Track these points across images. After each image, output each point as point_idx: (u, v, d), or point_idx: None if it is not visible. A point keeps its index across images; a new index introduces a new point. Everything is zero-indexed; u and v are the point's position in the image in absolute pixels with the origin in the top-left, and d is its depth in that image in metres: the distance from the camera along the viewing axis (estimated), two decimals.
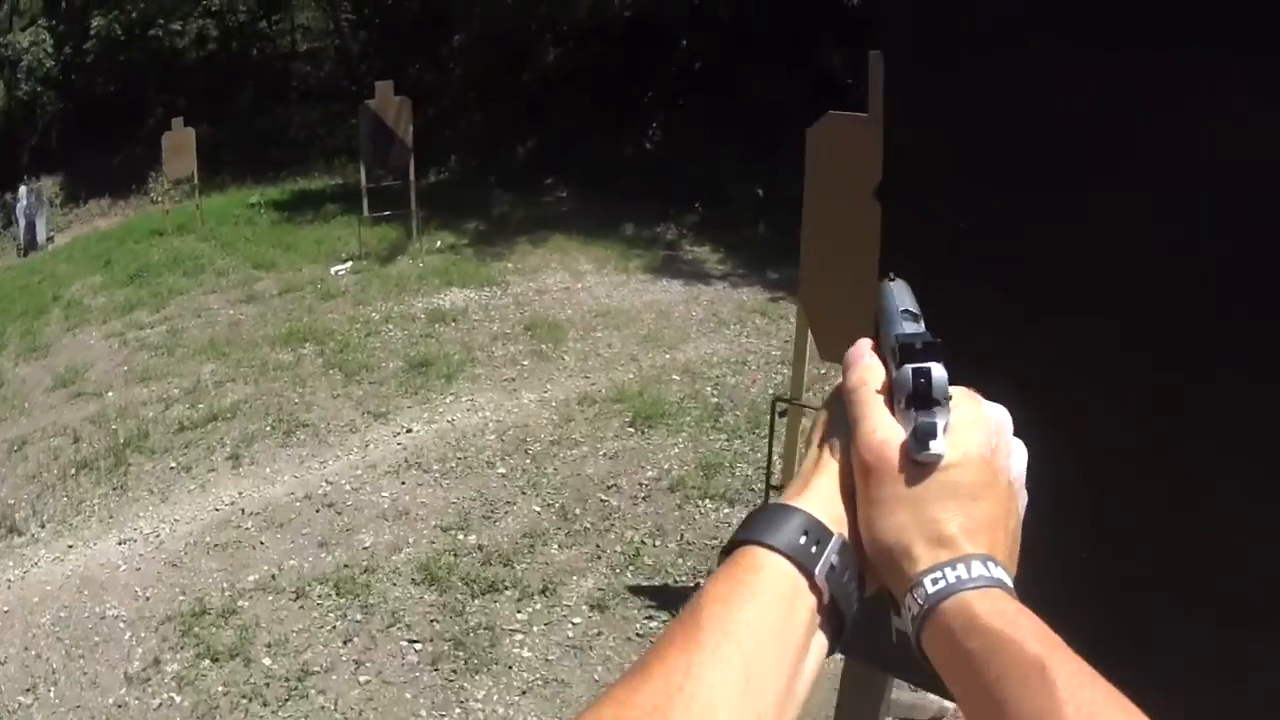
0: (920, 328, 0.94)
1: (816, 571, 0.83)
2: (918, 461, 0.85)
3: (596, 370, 8.86)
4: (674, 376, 8.61)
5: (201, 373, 10.02)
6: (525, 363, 9.22)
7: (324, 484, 7.43)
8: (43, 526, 7.75)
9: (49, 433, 9.49)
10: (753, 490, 6.62)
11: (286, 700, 5.29)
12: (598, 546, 6.14)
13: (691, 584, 5.70)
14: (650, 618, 5.49)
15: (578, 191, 15.98)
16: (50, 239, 21.02)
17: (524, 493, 6.90)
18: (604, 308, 10.52)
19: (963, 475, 0.86)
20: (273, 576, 6.17)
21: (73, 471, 8.47)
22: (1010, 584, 0.83)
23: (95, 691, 5.84)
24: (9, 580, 7.14)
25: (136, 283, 14.53)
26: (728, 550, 0.87)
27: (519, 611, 5.62)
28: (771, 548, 0.83)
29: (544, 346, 9.52)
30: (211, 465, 8.02)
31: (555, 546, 6.19)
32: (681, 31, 17.40)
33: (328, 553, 6.46)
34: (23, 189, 21.06)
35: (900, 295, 1.01)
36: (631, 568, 5.90)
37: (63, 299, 14.77)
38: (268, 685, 5.40)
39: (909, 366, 0.87)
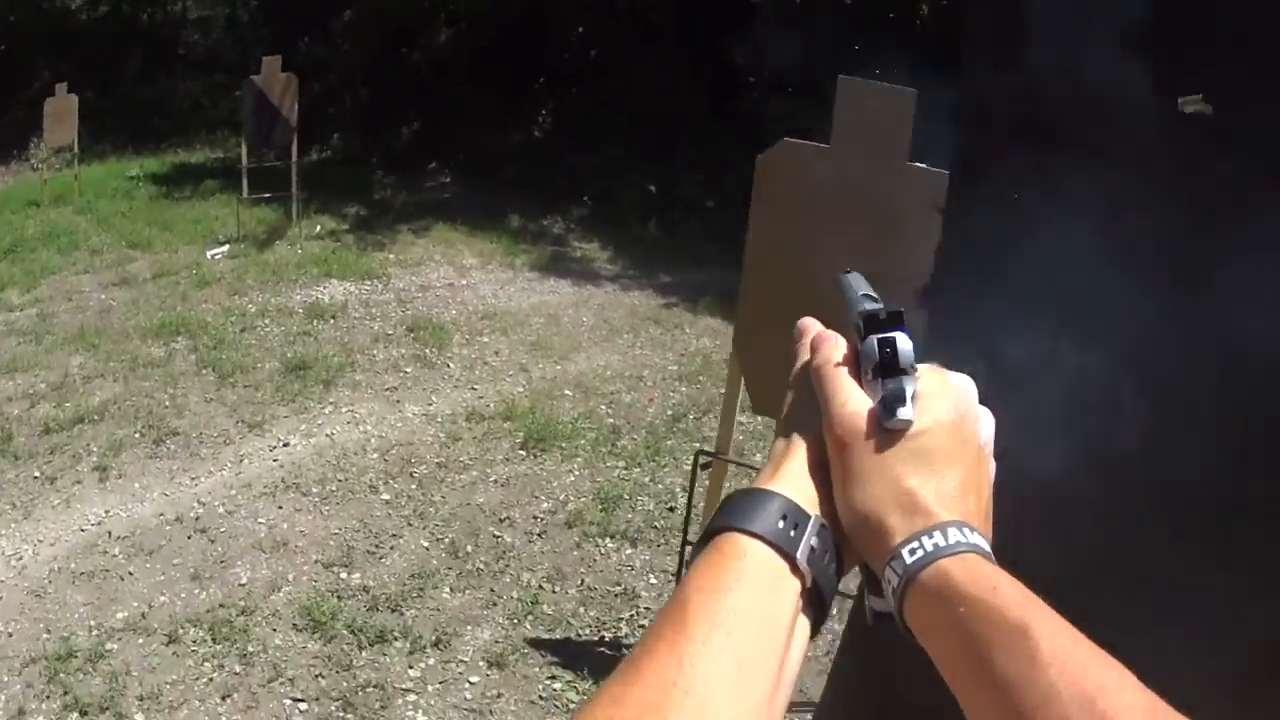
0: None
1: (798, 555, 0.83)
2: (888, 429, 0.87)
3: (484, 381, 8.55)
4: (566, 391, 8.34)
5: (70, 365, 9.51)
6: (408, 369, 8.89)
7: (196, 504, 6.98)
8: None
9: None
10: (655, 528, 6.39)
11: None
12: (492, 591, 5.81)
13: (595, 637, 5.42)
14: (553, 678, 5.15)
15: (462, 178, 15.70)
16: None
17: (410, 524, 6.55)
18: (490, 309, 10.23)
19: (933, 441, 0.87)
20: (143, 615, 5.71)
21: None
22: (988, 549, 0.83)
23: None
24: None
25: (9, 259, 13.94)
26: (706, 538, 0.86)
27: (411, 667, 5.26)
28: (752, 534, 0.83)
29: (428, 351, 9.19)
30: (77, 476, 7.52)
31: (447, 590, 5.85)
32: (577, 18, 17.10)
33: (201, 588, 6.02)
34: None
35: (858, 283, 1.04)
36: (530, 617, 5.57)
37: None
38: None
39: (874, 337, 0.89)
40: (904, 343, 0.88)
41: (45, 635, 5.82)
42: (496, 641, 5.39)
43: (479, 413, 7.89)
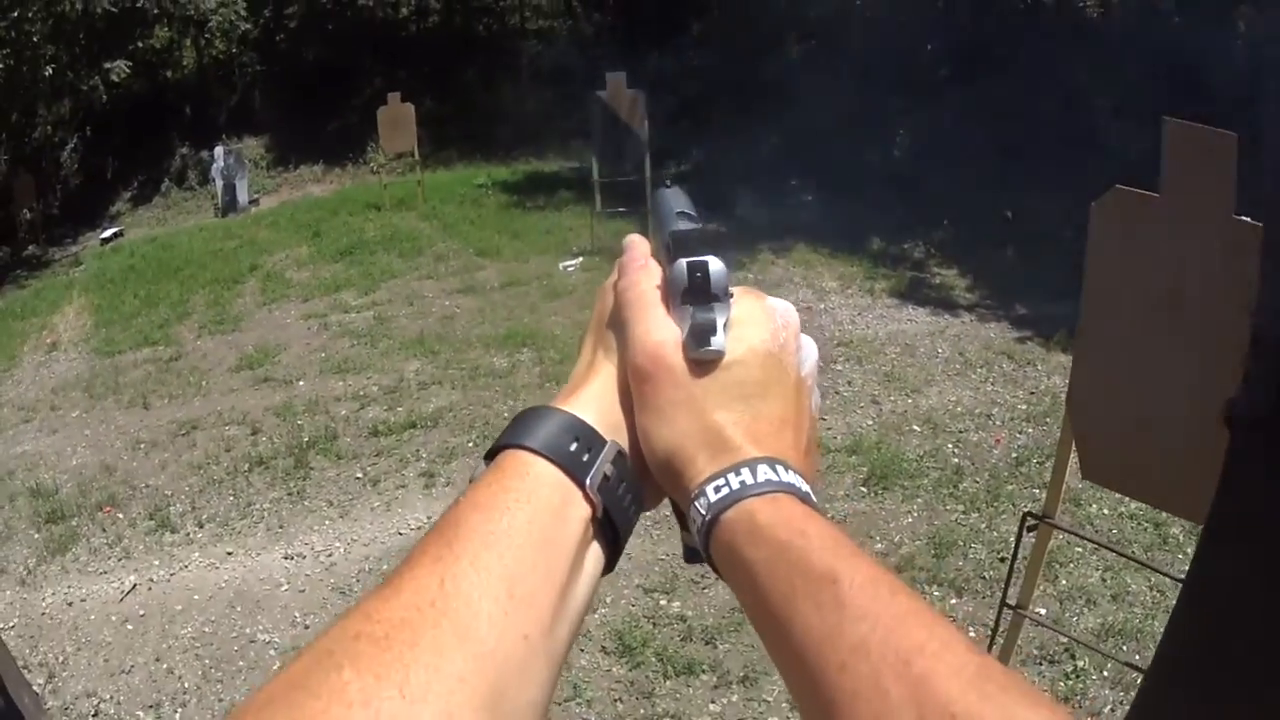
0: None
1: (588, 481, 0.79)
2: (697, 360, 0.82)
3: (834, 412, 8.37)
4: (914, 426, 8.10)
5: (405, 370, 9.96)
6: None
7: None
8: (200, 526, 7.73)
9: (224, 419, 9.55)
10: (983, 579, 6.16)
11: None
12: None
13: None
14: None
15: (823, 196, 15.50)
16: (254, 201, 21.51)
17: None
18: (847, 336, 10.05)
19: (747, 373, 0.83)
20: None
21: (245, 468, 8.45)
22: (804, 488, 0.78)
23: None
24: (151, 580, 7.11)
25: (346, 260, 14.68)
26: (490, 455, 0.81)
27: (713, 702, 5.27)
28: (538, 453, 0.78)
29: None
30: (402, 481, 7.88)
31: None
32: (927, 36, 16.72)
33: None
34: (219, 149, 21.55)
35: (675, 199, 1.01)
36: None
37: (261, 269, 15.01)
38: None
39: (684, 260, 0.84)
40: (717, 266, 0.83)
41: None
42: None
43: (825, 445, 7.71)
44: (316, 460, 8.32)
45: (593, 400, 0.86)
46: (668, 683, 5.38)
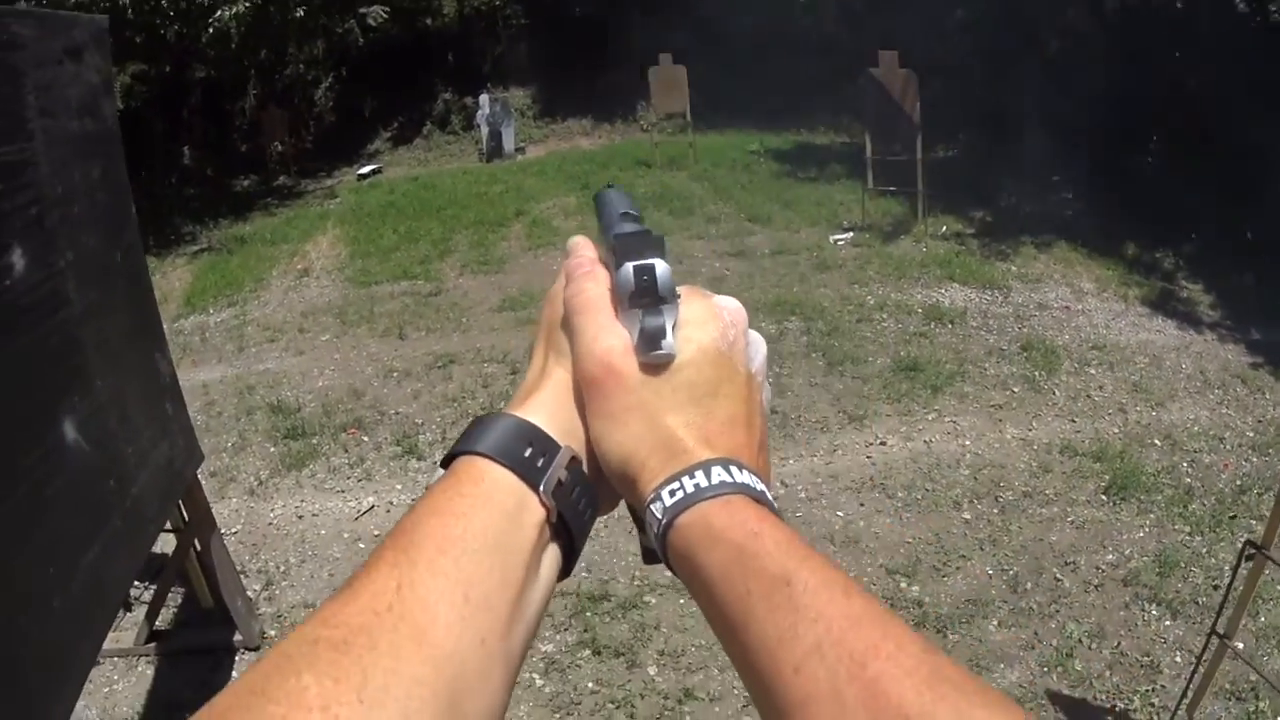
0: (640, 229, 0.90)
1: (542, 486, 0.78)
2: (648, 364, 0.82)
3: (1084, 415, 8.29)
4: (1155, 440, 7.94)
5: None
6: (1015, 389, 8.73)
7: (779, 485, 7.18)
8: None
9: (483, 356, 9.77)
10: (1197, 604, 6.00)
11: (657, 719, 5.21)
12: (1036, 634, 5.69)
13: (1108, 704, 5.21)
14: None
15: (1084, 195, 15.12)
16: (520, 150, 21.83)
17: (982, 548, 6.50)
18: (1101, 339, 9.88)
19: (698, 374, 0.82)
20: None
21: (502, 404, 8.63)
22: (760, 487, 0.77)
23: None
24: (391, 503, 7.37)
25: None
26: (446, 462, 0.81)
27: None
28: (493, 458, 0.78)
29: (1037, 374, 8.99)
30: None
31: (995, 623, 5.79)
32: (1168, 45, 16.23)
33: None
34: (484, 97, 21.88)
35: (619, 200, 0.98)
36: (1059, 669, 5.41)
37: (528, 215, 15.20)
38: (643, 697, 5.34)
39: (630, 264, 0.83)
40: (662, 268, 0.83)
41: (584, 574, 6.32)
42: (1021, 685, 5.30)
43: (1073, 447, 7.67)
44: None
45: (545, 406, 0.86)
46: None
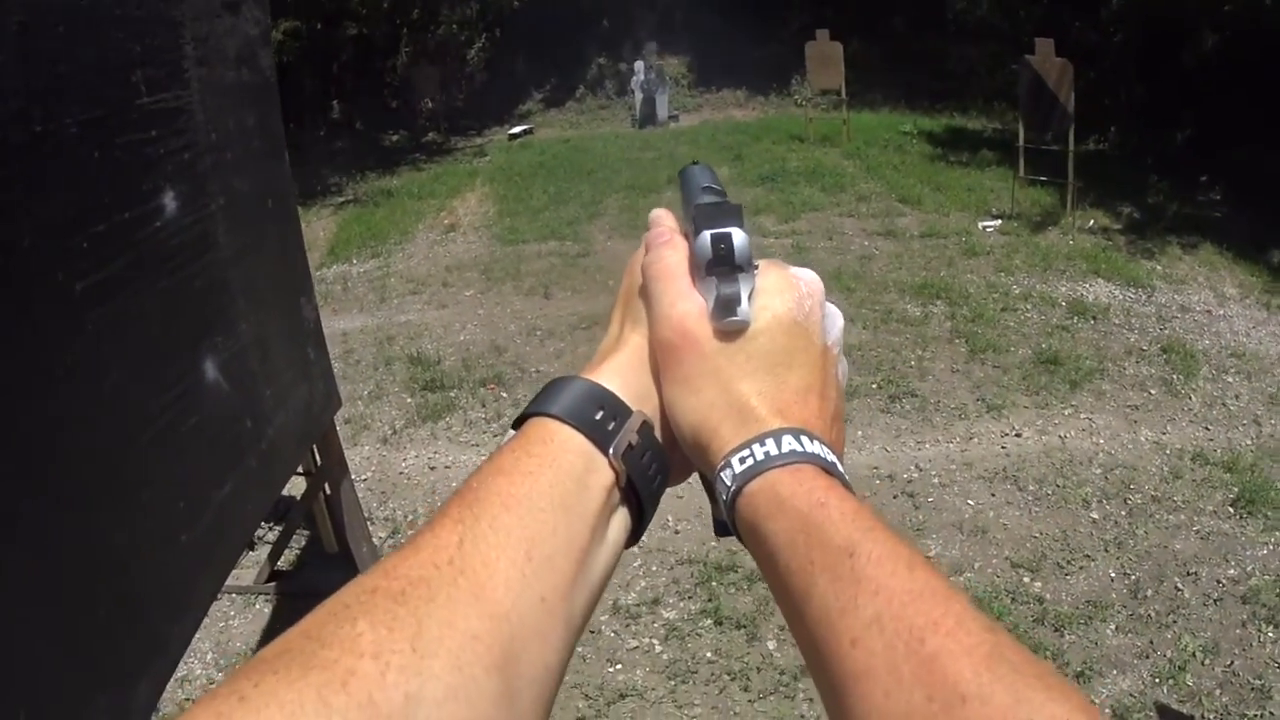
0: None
1: (612, 449, 0.79)
2: (722, 330, 0.82)
3: (1218, 423, 8.06)
4: None
5: None
6: (1152, 391, 8.54)
7: (913, 468, 7.24)
8: None
9: None
10: None
11: (770, 694, 5.20)
12: (1151, 643, 5.57)
13: None
14: None
15: (1233, 197, 14.72)
16: (674, 118, 21.87)
17: (1107, 550, 6.38)
18: (1240, 347, 9.58)
19: (772, 342, 0.83)
20: None
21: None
22: (830, 458, 0.77)
23: None
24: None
25: (767, 185, 14.77)
26: (517, 424, 0.82)
27: None
28: (563, 420, 0.79)
29: (1175, 378, 8.77)
30: None
31: (1112, 627, 5.68)
32: None
33: None
34: (639, 64, 21.98)
35: (701, 175, 0.99)
36: (1171, 682, 5.29)
37: (678, 182, 15.22)
38: (759, 670, 5.34)
39: (707, 232, 0.84)
40: (740, 237, 0.83)
41: (713, 544, 6.32)
42: (1130, 694, 5.21)
43: (1205, 455, 7.47)
44: None
45: (619, 371, 0.86)
46: None
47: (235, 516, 3.60)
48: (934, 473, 7.17)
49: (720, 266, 0.82)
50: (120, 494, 2.76)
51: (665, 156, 17.16)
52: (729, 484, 0.76)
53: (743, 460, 0.76)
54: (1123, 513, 6.78)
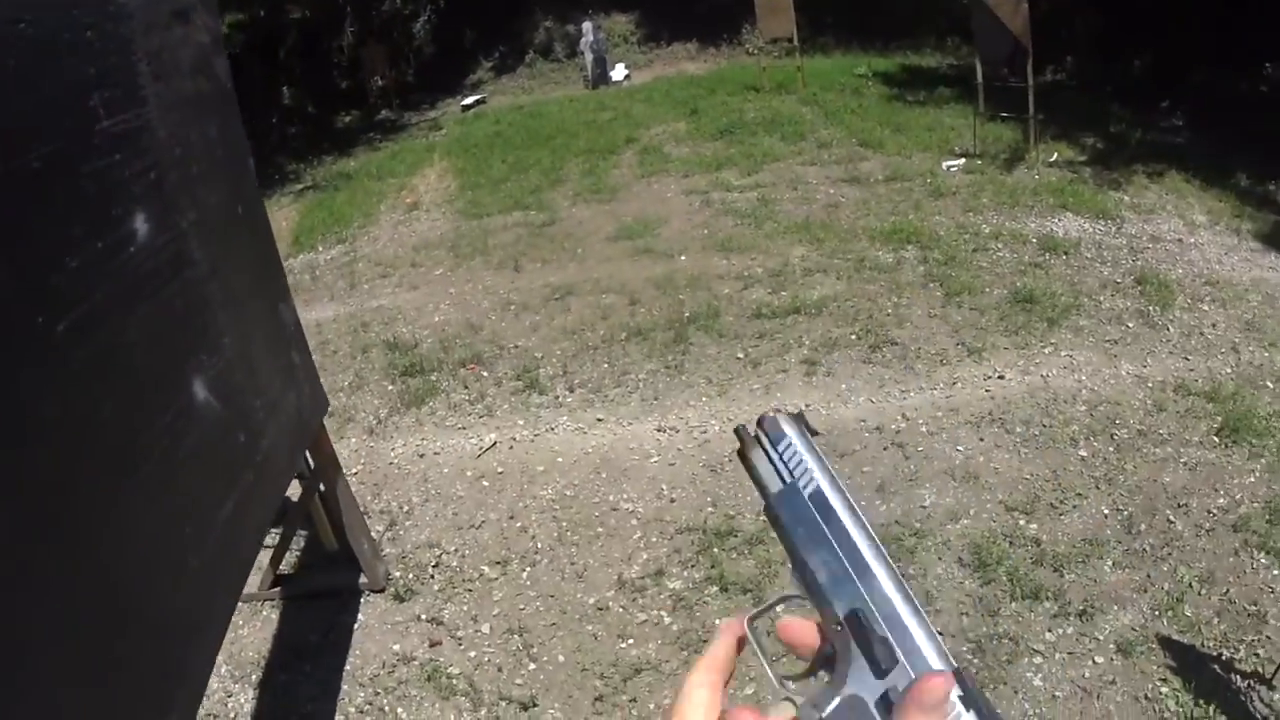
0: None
1: None
2: None
3: (1197, 352, 8.10)
4: (1268, 383, 7.70)
5: (790, 255, 9.95)
6: (1130, 324, 8.54)
7: (900, 418, 7.26)
8: (571, 391, 7.99)
9: (601, 287, 9.77)
10: None
11: (783, 656, 5.13)
12: (1148, 577, 5.65)
13: (1214, 653, 5.16)
14: (1164, 680, 4.98)
15: (1194, 122, 14.71)
16: (627, 76, 21.72)
17: (1097, 487, 6.43)
18: (1214, 275, 9.59)
19: None
20: None
21: (622, 337, 8.66)
22: None
23: (577, 585, 5.92)
24: (514, 439, 7.39)
25: (726, 139, 14.68)
26: None
27: (1050, 630, 5.28)
28: None
29: (1151, 309, 8.77)
30: (783, 365, 7.98)
31: (1109, 564, 5.76)
32: None
33: (884, 501, 6.28)
34: (587, 24, 21.83)
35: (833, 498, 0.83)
36: (1170, 613, 5.38)
37: (638, 142, 15.08)
38: (769, 634, 5.26)
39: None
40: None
41: (710, 510, 6.35)
42: (1132, 628, 5.28)
43: (1186, 386, 7.53)
44: (696, 336, 8.50)
45: None
46: (1013, 604, 5.42)
47: (240, 532, 3.59)
48: (921, 421, 7.20)
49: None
50: (126, 528, 2.74)
51: (621, 116, 17.07)
52: None
53: None
54: (1110, 449, 6.82)
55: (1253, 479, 6.52)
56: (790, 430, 0.86)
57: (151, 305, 3.16)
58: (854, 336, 8.39)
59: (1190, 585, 5.58)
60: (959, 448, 6.88)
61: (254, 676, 5.54)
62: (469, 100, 21.58)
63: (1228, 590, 5.56)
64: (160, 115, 3.39)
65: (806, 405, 7.21)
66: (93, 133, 2.94)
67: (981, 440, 6.96)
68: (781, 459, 0.85)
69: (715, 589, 5.70)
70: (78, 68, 2.90)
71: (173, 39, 3.70)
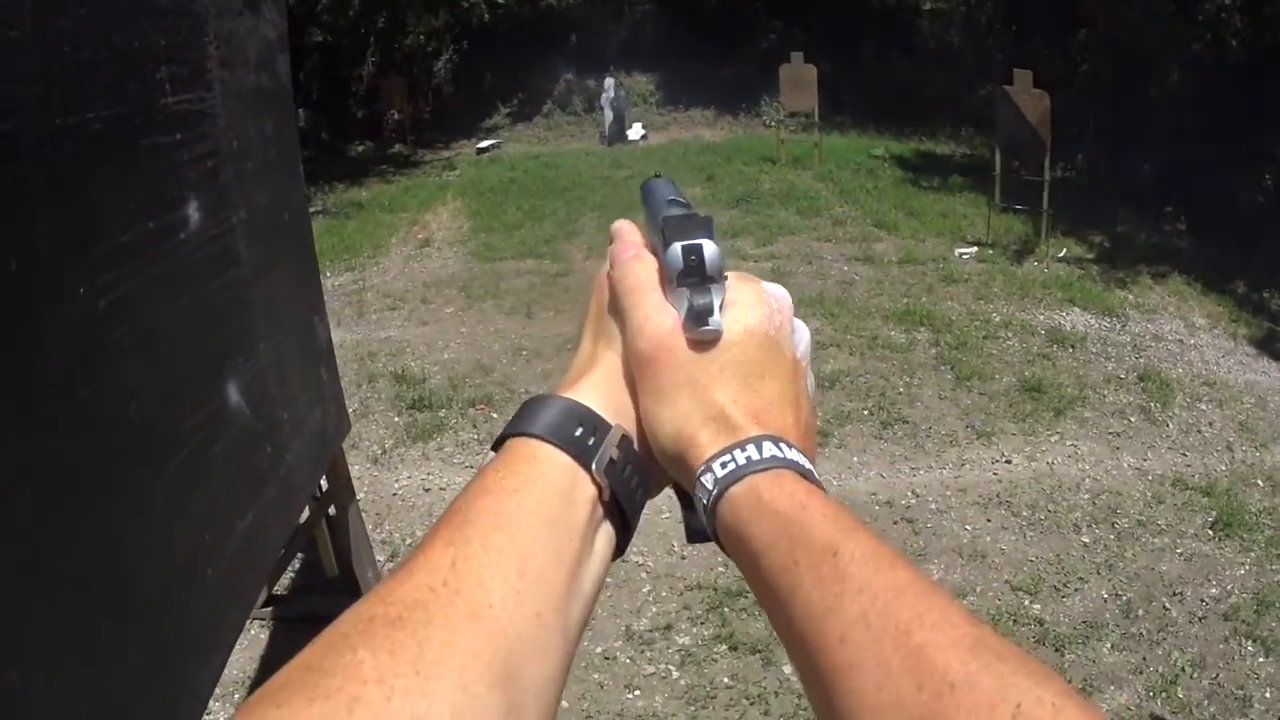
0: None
1: (594, 464, 0.79)
2: (696, 340, 0.82)
3: (1194, 450, 8.24)
4: (1258, 481, 7.86)
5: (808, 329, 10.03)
6: (1132, 418, 8.70)
7: (909, 494, 7.33)
8: None
9: None
10: None
11: (790, 718, 5.22)
12: (1144, 660, 5.74)
13: None
14: None
15: (1196, 227, 15.02)
16: (644, 137, 22.00)
17: (1099, 572, 6.53)
18: (1211, 376, 9.81)
19: (745, 353, 0.83)
20: None
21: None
22: (806, 465, 0.77)
23: (584, 632, 5.91)
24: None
25: (742, 207, 14.89)
26: (498, 444, 0.82)
27: None
28: (544, 439, 0.79)
29: (1152, 405, 8.94)
30: None
31: (1108, 646, 5.83)
32: None
33: None
34: (609, 80, 22.10)
35: (665, 188, 0.99)
36: (1163, 695, 5.46)
37: (641, 196, 15.32)
38: (776, 695, 5.36)
39: (678, 244, 0.83)
40: (710, 249, 0.83)
41: (721, 569, 6.32)
42: (1128, 707, 5.36)
43: (1184, 481, 7.68)
44: None
45: (596, 388, 0.87)
46: None
47: (257, 547, 3.51)
48: (930, 498, 7.27)
49: (692, 278, 0.82)
50: (150, 530, 2.65)
51: (638, 175, 17.01)
52: (710, 488, 0.77)
53: (724, 465, 0.77)
54: (1111, 536, 6.93)
55: (1243, 571, 6.67)
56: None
57: (195, 298, 3.08)
58: (866, 412, 8.47)
59: (1183, 669, 5.67)
60: (967, 527, 6.95)
61: (235, 696, 5.46)
62: (484, 144, 21.80)
63: (1217, 675, 5.67)
64: (223, 103, 3.32)
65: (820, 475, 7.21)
66: (157, 106, 2.83)
67: (989, 521, 7.03)
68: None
69: (724, 647, 5.69)
70: (150, 35, 2.79)
71: (242, 27, 3.64)
